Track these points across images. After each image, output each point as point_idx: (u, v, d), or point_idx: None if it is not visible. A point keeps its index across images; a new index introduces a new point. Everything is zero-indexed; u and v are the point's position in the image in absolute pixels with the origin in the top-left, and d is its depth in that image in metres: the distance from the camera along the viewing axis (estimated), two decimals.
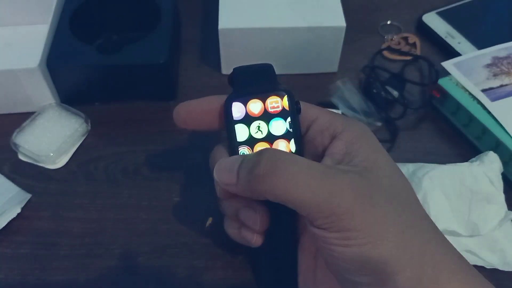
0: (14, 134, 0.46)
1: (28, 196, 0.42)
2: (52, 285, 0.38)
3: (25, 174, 0.44)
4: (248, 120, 0.30)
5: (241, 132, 0.30)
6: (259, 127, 0.30)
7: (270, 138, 0.30)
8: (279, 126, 0.30)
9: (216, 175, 0.28)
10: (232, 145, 0.30)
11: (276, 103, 0.30)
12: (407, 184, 0.27)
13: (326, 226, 0.25)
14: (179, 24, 0.57)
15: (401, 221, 0.25)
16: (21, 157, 0.45)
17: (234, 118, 0.30)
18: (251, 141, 0.30)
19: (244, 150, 0.30)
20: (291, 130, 0.30)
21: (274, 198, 0.26)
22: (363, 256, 0.24)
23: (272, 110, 0.30)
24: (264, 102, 0.30)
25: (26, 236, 0.40)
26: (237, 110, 0.30)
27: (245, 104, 0.30)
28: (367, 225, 0.25)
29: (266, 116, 0.30)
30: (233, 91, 0.31)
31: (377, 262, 0.24)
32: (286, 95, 0.30)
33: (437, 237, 0.26)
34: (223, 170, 0.28)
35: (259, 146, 0.30)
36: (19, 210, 0.41)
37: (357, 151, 0.27)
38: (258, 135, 0.30)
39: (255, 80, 0.31)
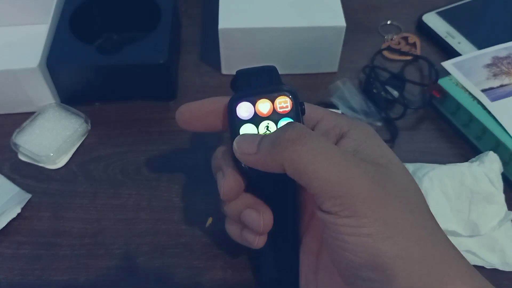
0: (14, 134, 0.46)
1: (28, 196, 0.42)
2: (52, 285, 0.38)
3: (25, 174, 0.44)
4: (255, 120, 0.29)
5: (246, 132, 0.30)
6: (267, 126, 0.30)
7: None
8: None
9: (236, 144, 0.28)
10: None
11: (285, 103, 0.30)
12: (416, 183, 0.27)
13: (336, 210, 0.25)
14: (179, 24, 0.57)
15: (412, 219, 0.25)
16: (21, 157, 0.45)
17: (241, 118, 0.30)
18: None
19: None
20: None
21: (292, 167, 0.25)
22: (374, 248, 0.24)
23: (279, 110, 0.30)
24: (272, 102, 0.30)
25: (26, 236, 0.40)
26: (244, 110, 0.30)
27: (253, 103, 0.29)
28: (380, 215, 0.24)
29: (275, 116, 0.30)
30: (238, 92, 0.31)
31: (387, 257, 0.24)
32: (290, 96, 0.30)
33: (444, 238, 0.25)
34: (245, 140, 0.28)
35: None
36: (19, 210, 0.41)
37: (366, 149, 0.27)
38: None
39: (260, 82, 0.31)
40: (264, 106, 0.29)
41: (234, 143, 0.28)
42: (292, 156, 0.25)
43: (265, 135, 0.27)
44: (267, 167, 0.27)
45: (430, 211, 0.26)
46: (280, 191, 0.31)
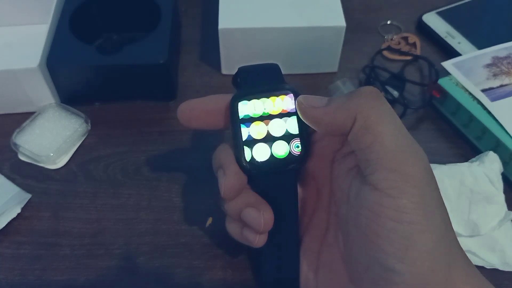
0: (14, 134, 0.46)
1: (28, 196, 0.42)
2: (52, 285, 0.38)
3: (25, 174, 0.44)
4: (257, 118, 0.29)
5: (248, 132, 0.30)
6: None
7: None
8: (288, 125, 0.30)
9: (302, 98, 0.28)
10: (238, 143, 0.30)
11: (288, 101, 0.30)
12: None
13: (384, 186, 0.24)
14: (179, 24, 0.57)
15: (442, 213, 0.24)
16: (21, 157, 0.45)
17: (243, 116, 0.29)
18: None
19: (249, 148, 0.29)
20: (298, 129, 0.30)
21: (363, 120, 0.25)
22: (410, 239, 0.23)
23: (282, 109, 0.30)
24: (275, 101, 0.30)
25: (26, 236, 0.40)
26: (246, 108, 0.29)
27: (256, 102, 0.29)
28: (424, 205, 0.23)
29: (277, 115, 0.30)
30: (240, 90, 0.31)
31: (420, 251, 0.23)
32: (293, 94, 0.30)
33: (455, 238, 0.25)
34: (312, 96, 0.28)
35: None
36: (19, 210, 0.41)
37: None
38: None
39: (262, 79, 0.31)
40: (266, 104, 0.29)
41: (300, 97, 0.28)
42: (369, 108, 0.25)
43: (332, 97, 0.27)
44: (332, 121, 0.26)
45: (446, 208, 0.26)
46: (280, 190, 0.31)
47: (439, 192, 0.25)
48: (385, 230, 0.24)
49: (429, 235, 0.23)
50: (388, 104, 0.26)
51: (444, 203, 0.25)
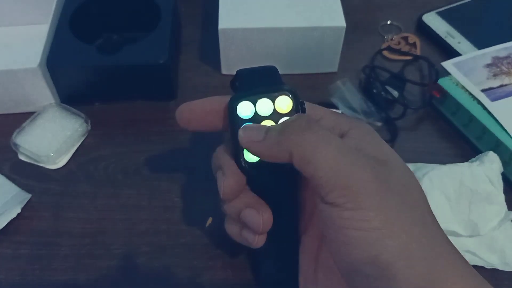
0: (14, 134, 0.46)
1: (28, 196, 0.42)
2: (52, 285, 0.38)
3: (25, 174, 0.44)
4: (256, 119, 0.29)
5: None
6: None
7: None
8: None
9: (242, 132, 0.28)
10: (236, 144, 0.30)
11: (286, 102, 0.29)
12: (417, 181, 0.27)
13: (341, 201, 0.24)
14: (179, 24, 0.57)
15: (414, 216, 0.25)
16: (21, 157, 0.45)
17: (241, 118, 0.30)
18: None
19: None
20: None
21: (299, 154, 0.25)
22: (378, 244, 0.24)
23: (280, 109, 0.30)
24: (273, 102, 0.30)
25: (26, 236, 0.40)
26: (245, 109, 0.30)
27: (254, 103, 0.29)
28: (384, 209, 0.24)
29: (275, 116, 0.30)
30: (238, 91, 0.31)
31: (391, 254, 0.23)
32: (291, 95, 0.30)
33: (443, 238, 0.25)
34: (251, 128, 0.28)
35: None
36: (19, 210, 0.41)
37: (367, 147, 0.27)
38: None
39: (260, 81, 0.31)
40: (264, 105, 0.29)
41: (240, 130, 0.28)
42: (301, 142, 0.25)
43: (271, 126, 0.28)
44: (272, 155, 0.27)
45: (430, 209, 0.26)
46: (280, 190, 0.31)
47: (412, 191, 0.26)
48: (353, 239, 0.24)
49: (397, 236, 0.24)
50: (320, 129, 0.26)
51: (422, 202, 0.26)
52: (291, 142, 0.26)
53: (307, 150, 0.25)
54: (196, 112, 0.31)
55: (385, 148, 0.28)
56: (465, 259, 0.25)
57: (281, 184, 0.30)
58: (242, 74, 0.31)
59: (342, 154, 0.25)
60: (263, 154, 0.28)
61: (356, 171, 0.25)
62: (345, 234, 0.25)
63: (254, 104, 0.29)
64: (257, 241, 0.30)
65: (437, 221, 0.26)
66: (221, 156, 0.31)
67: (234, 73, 0.32)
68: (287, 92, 0.30)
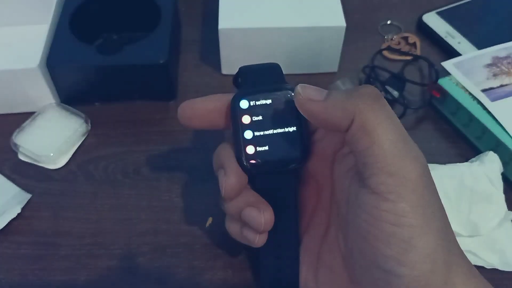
0: (14, 134, 0.46)
1: (28, 196, 0.42)
2: (52, 285, 0.38)
3: (25, 174, 0.44)
4: None
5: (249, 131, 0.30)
6: None
7: None
8: (289, 125, 0.30)
9: (300, 88, 0.27)
10: (238, 143, 0.30)
11: (288, 101, 0.29)
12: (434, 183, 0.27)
13: (382, 189, 0.23)
14: (179, 24, 0.57)
15: (441, 219, 0.24)
16: (21, 157, 0.45)
17: (243, 116, 0.29)
18: None
19: (250, 148, 0.29)
20: (299, 128, 0.30)
21: (361, 121, 0.24)
22: (410, 243, 0.23)
23: (283, 108, 0.30)
24: (275, 101, 0.30)
25: (26, 236, 0.40)
26: (248, 107, 0.29)
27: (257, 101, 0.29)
28: (421, 208, 0.23)
29: (276, 115, 0.30)
30: (240, 89, 0.31)
31: (420, 255, 0.23)
32: (294, 94, 0.29)
33: (456, 243, 0.25)
34: (311, 87, 0.27)
35: None
36: (19, 210, 0.41)
37: None
38: None
39: (263, 79, 0.31)
40: (267, 104, 0.29)
41: (298, 87, 0.27)
42: (367, 111, 0.24)
43: (331, 90, 0.27)
44: (329, 117, 0.26)
45: (445, 210, 0.26)
46: (281, 189, 0.31)
47: (438, 195, 0.25)
48: (384, 233, 0.24)
49: (428, 238, 0.23)
50: (388, 106, 0.25)
51: (442, 206, 0.25)
52: (357, 108, 0.24)
53: (370, 121, 0.24)
54: (198, 110, 0.31)
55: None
56: (470, 263, 0.25)
57: (283, 183, 0.31)
58: (245, 71, 0.31)
59: (401, 139, 0.24)
60: (318, 115, 0.26)
61: (408, 162, 0.24)
62: (377, 226, 0.24)
63: (257, 102, 0.29)
64: (258, 240, 0.30)
65: (450, 225, 0.26)
66: (223, 155, 0.30)
67: (234, 73, 0.32)
68: (290, 91, 0.30)
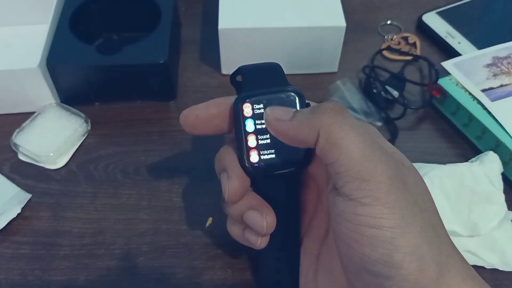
0: (14, 134, 0.46)
1: (28, 196, 0.42)
2: (52, 285, 0.38)
3: (25, 174, 0.44)
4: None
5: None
6: None
7: None
8: None
9: (269, 110, 0.28)
10: (241, 146, 0.29)
11: (292, 103, 0.29)
12: (425, 183, 0.27)
13: (357, 195, 0.24)
14: (179, 24, 0.57)
15: (426, 218, 0.24)
16: (21, 157, 0.45)
17: (247, 118, 0.29)
18: None
19: (253, 151, 0.29)
20: None
21: (326, 136, 0.25)
22: (393, 243, 0.23)
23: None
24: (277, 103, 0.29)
25: (26, 236, 0.40)
26: (250, 110, 0.29)
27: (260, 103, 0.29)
28: (400, 208, 0.24)
29: None
30: (242, 91, 0.30)
31: (404, 254, 0.23)
32: (296, 96, 0.29)
33: (448, 240, 0.25)
34: (279, 108, 0.28)
35: None
36: (19, 210, 0.41)
37: (384, 146, 0.27)
38: None
39: (265, 80, 0.30)
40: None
41: (268, 109, 0.28)
42: (331, 124, 0.25)
43: (299, 109, 0.27)
44: (297, 135, 0.26)
45: (438, 212, 0.26)
46: (283, 192, 0.31)
47: (423, 194, 0.26)
48: (366, 237, 0.24)
49: (411, 236, 0.23)
50: (352, 117, 0.26)
51: (431, 205, 0.26)
52: (321, 123, 0.25)
53: (335, 133, 0.25)
54: (202, 117, 0.31)
55: (393, 148, 0.28)
56: (467, 262, 0.25)
57: (285, 186, 0.30)
58: (246, 71, 0.31)
59: (367, 145, 0.25)
60: (287, 134, 0.27)
61: (379, 165, 0.24)
62: (358, 231, 0.24)
63: (260, 105, 0.29)
64: (260, 243, 0.30)
65: (443, 224, 0.26)
66: (225, 158, 0.30)
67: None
68: (292, 93, 0.29)
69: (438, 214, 0.26)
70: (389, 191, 0.24)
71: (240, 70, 0.31)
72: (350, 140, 0.25)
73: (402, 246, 0.23)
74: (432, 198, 0.27)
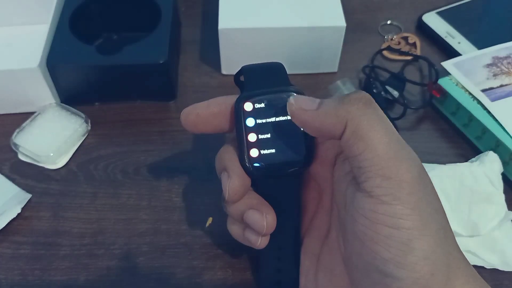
0: (14, 134, 0.46)
1: (28, 196, 0.42)
2: (52, 285, 0.38)
3: (25, 174, 0.44)
4: None
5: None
6: None
7: None
8: (293, 127, 0.29)
9: (293, 100, 0.27)
10: (242, 145, 0.29)
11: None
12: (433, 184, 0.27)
13: (378, 192, 0.23)
14: (179, 24, 0.57)
15: (439, 220, 0.24)
16: (21, 157, 0.45)
17: (247, 118, 0.29)
18: None
19: (254, 150, 0.29)
20: (303, 131, 0.29)
21: (354, 127, 0.24)
22: (409, 245, 0.23)
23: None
24: (279, 103, 0.29)
25: (26, 236, 0.40)
26: (252, 109, 0.29)
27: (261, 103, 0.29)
28: (419, 210, 0.23)
29: (281, 117, 0.29)
30: (244, 90, 0.30)
31: (419, 257, 0.23)
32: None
33: (456, 244, 0.25)
34: (304, 97, 0.27)
35: None
36: (19, 210, 0.41)
37: None
38: None
39: (267, 80, 0.30)
40: (271, 106, 0.29)
41: (291, 98, 0.27)
42: (360, 116, 0.24)
43: (324, 99, 0.27)
44: (322, 125, 0.26)
45: (444, 211, 0.26)
46: (284, 192, 0.31)
47: (436, 196, 0.25)
48: (382, 236, 0.24)
49: (427, 239, 0.23)
50: (380, 110, 0.25)
51: (442, 207, 0.25)
52: (350, 114, 0.25)
53: (363, 126, 0.24)
54: (203, 115, 0.30)
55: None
56: (468, 262, 0.25)
57: (286, 186, 0.30)
58: (248, 71, 0.31)
59: (394, 142, 0.24)
60: (312, 125, 0.26)
61: (403, 164, 0.24)
62: (374, 229, 0.24)
63: (261, 104, 0.29)
64: (260, 242, 0.30)
65: (450, 225, 0.26)
66: (226, 157, 0.30)
67: (234, 73, 0.32)
68: (294, 93, 0.29)
69: (446, 215, 0.26)
70: (411, 192, 0.23)
71: (242, 70, 0.31)
72: (377, 135, 0.24)
73: (418, 249, 0.23)
74: (438, 197, 0.26)
